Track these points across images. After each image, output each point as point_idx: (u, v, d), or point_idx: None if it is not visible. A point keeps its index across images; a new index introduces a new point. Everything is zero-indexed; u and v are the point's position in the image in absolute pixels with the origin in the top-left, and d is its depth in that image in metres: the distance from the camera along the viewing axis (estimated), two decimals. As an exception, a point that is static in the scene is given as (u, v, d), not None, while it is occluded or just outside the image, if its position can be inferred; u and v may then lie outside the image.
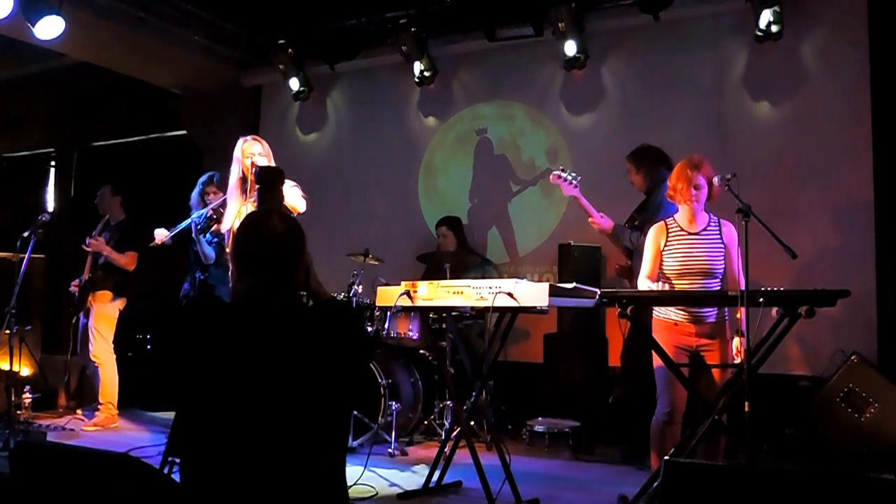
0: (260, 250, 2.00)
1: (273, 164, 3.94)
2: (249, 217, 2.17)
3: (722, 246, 3.57)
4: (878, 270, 4.85)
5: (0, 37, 5.88)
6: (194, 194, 5.09)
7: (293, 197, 3.86)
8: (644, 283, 3.62)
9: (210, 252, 4.48)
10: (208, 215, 4.40)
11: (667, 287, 3.57)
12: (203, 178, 5.10)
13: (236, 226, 3.92)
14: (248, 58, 6.93)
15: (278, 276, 1.98)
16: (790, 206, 5.02)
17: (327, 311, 2.02)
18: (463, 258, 5.53)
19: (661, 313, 3.66)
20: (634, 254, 4.69)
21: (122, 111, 8.02)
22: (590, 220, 4.53)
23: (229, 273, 3.66)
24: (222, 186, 4.75)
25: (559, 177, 4.43)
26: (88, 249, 5.62)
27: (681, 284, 3.58)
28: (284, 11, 6.44)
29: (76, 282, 5.71)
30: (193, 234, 4.42)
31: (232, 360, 1.83)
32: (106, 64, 6.90)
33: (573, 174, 4.44)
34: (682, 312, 3.58)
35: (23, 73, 8.04)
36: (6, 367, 5.25)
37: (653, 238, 3.69)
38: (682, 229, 3.63)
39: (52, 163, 8.75)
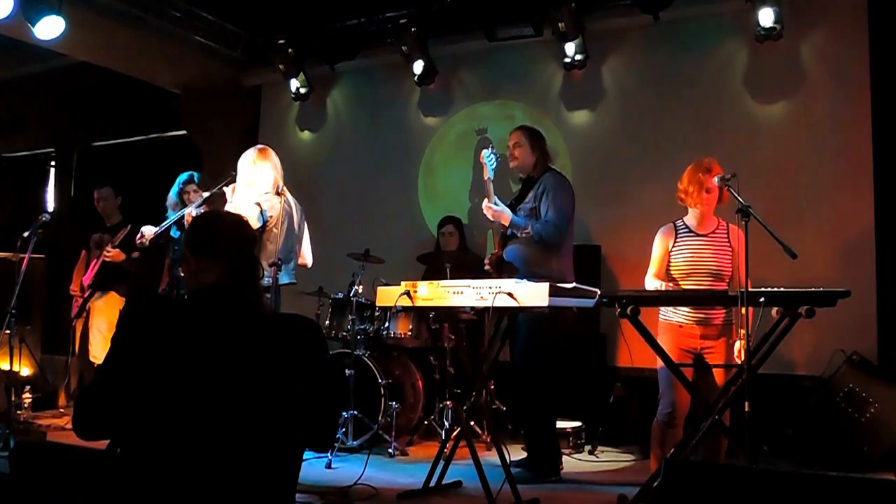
0: (227, 239, 1.96)
1: (256, 169, 4.04)
2: (203, 215, 2.14)
3: (730, 248, 3.58)
4: (878, 270, 4.85)
5: (0, 37, 5.87)
6: (172, 194, 5.08)
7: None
8: (651, 283, 3.64)
9: None
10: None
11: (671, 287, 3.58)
12: (183, 177, 5.09)
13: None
14: (248, 58, 6.92)
15: (244, 265, 1.95)
16: (790, 206, 5.02)
17: (292, 320, 1.95)
18: (463, 258, 5.53)
19: (666, 315, 3.67)
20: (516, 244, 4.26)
21: (122, 111, 8.00)
22: (485, 205, 4.14)
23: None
24: (203, 186, 4.79)
25: (488, 157, 4.10)
26: (109, 259, 5.58)
27: (687, 285, 3.60)
28: (284, 11, 6.43)
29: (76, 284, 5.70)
30: (181, 231, 4.43)
31: (187, 363, 1.78)
32: (106, 64, 6.90)
33: (497, 159, 4.15)
34: (687, 315, 3.59)
35: (23, 73, 8.03)
36: (6, 367, 5.25)
37: (661, 239, 3.73)
38: (690, 231, 3.66)
39: (52, 163, 8.74)
